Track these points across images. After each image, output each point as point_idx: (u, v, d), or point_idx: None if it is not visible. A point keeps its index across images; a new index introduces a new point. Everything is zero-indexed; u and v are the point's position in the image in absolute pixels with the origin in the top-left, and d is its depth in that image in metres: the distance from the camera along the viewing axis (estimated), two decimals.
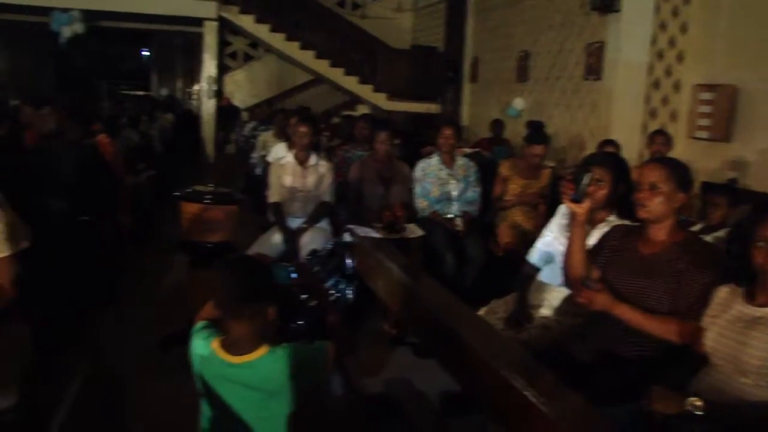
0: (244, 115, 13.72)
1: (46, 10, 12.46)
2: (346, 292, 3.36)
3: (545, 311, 3.39)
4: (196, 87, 15.43)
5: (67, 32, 12.46)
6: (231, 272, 2.12)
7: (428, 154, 5.71)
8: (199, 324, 2.25)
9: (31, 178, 4.50)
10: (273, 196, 5.01)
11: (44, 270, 3.47)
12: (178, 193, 4.92)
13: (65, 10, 12.36)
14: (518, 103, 9.77)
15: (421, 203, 5.33)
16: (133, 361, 3.99)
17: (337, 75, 13.56)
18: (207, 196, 4.79)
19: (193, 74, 15.61)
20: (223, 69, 14.53)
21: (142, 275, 5.70)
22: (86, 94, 12.24)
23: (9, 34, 15.05)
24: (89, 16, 12.65)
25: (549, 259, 3.46)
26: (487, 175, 5.68)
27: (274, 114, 8.71)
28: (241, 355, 2.07)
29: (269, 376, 2.07)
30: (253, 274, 2.13)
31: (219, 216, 4.78)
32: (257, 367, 2.06)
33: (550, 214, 3.80)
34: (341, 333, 2.53)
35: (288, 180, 4.98)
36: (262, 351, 2.07)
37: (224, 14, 12.97)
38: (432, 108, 13.04)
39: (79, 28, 12.45)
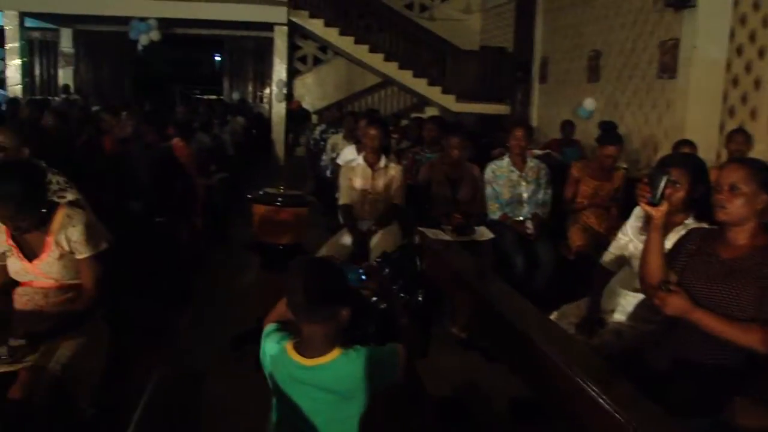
0: (314, 118, 13.89)
1: (125, 20, 12.89)
2: (416, 294, 3.35)
3: (619, 317, 3.31)
4: (266, 91, 15.69)
5: (144, 40, 12.86)
6: (305, 274, 2.11)
7: (498, 156, 5.66)
8: (271, 326, 2.27)
9: (110, 182, 4.66)
10: (343, 198, 5.04)
11: (122, 270, 3.57)
12: (250, 196, 5.01)
13: (143, 19, 12.75)
14: (589, 103, 9.59)
15: (491, 206, 5.28)
16: (207, 359, 4.07)
17: (405, 77, 13.58)
18: (278, 199, 4.86)
19: (263, 78, 15.86)
20: (293, 73, 14.74)
21: (215, 275, 5.82)
22: (161, 99, 12.61)
23: (91, 43, 15.62)
24: (165, 24, 13.03)
25: (623, 263, 3.38)
26: (557, 177, 5.59)
27: (344, 117, 8.78)
28: (314, 357, 2.08)
29: (343, 378, 2.07)
30: (327, 277, 2.13)
31: (289, 218, 4.84)
32: (331, 370, 2.07)
33: (623, 216, 3.72)
34: (411, 335, 2.52)
35: (358, 182, 5.00)
36: (335, 353, 2.08)
37: (294, 19, 13.15)
38: (501, 109, 12.92)
39: (155, 35, 12.82)
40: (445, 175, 5.37)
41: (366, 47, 13.44)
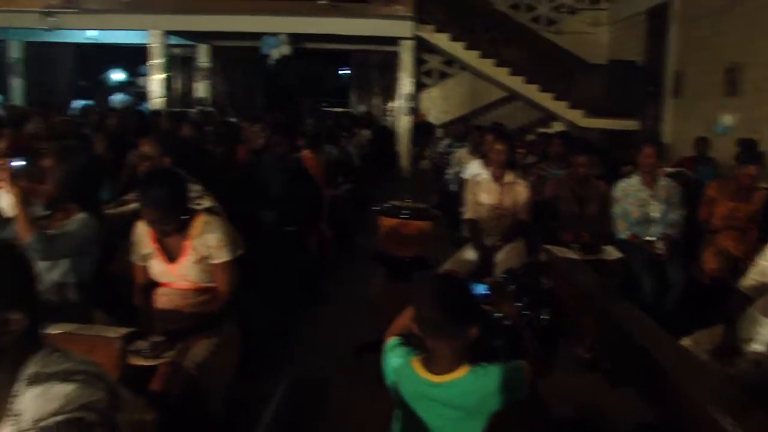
0: (439, 132, 13.95)
1: (257, 36, 13.43)
2: (541, 312, 3.33)
3: (758, 347, 3.15)
4: (392, 104, 15.91)
5: (275, 54, 13.33)
6: (435, 291, 2.14)
7: (627, 174, 5.52)
8: (395, 340, 2.30)
9: (243, 191, 4.88)
10: (468, 212, 5.06)
11: (253, 276, 3.74)
12: (376, 208, 5.11)
13: (274, 35, 13.22)
14: (727, 119, 9.16)
15: (619, 224, 5.16)
16: (331, 366, 4.18)
17: (531, 91, 13.44)
18: (404, 212, 4.94)
19: (389, 91, 16.09)
20: (418, 86, 14.87)
21: (341, 284, 5.95)
22: (291, 112, 13.03)
23: (226, 58, 16.39)
24: (295, 39, 13.46)
25: (764, 289, 3.22)
26: (691, 196, 5.39)
27: (470, 131, 8.80)
28: (442, 373, 2.10)
29: (470, 395, 2.09)
30: (457, 294, 2.14)
31: (414, 231, 4.91)
32: (459, 387, 2.08)
33: (762, 239, 3.54)
34: (535, 354, 2.51)
35: (483, 197, 5.01)
36: (463, 370, 2.09)
37: (420, 33, 13.28)
38: (630, 125, 12.54)
39: (286, 50, 13.27)
40: (572, 192, 5.29)
41: (492, 61, 13.40)
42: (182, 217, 2.99)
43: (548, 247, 4.35)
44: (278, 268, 4.68)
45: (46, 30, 13.28)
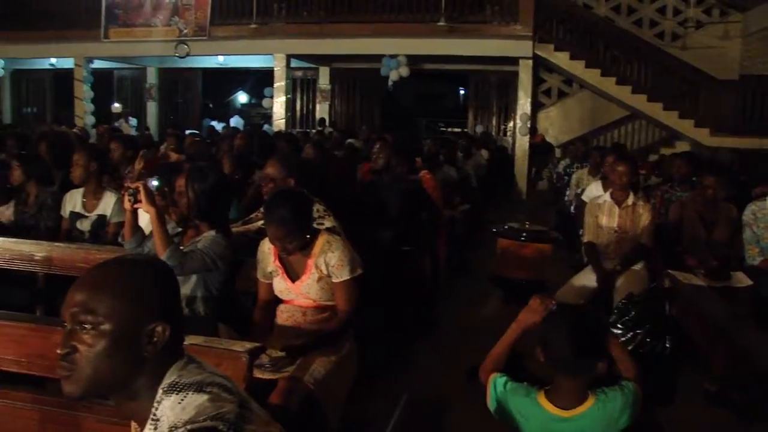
0: (557, 152, 13.74)
1: (377, 58, 13.70)
2: (663, 340, 3.22)
3: None
4: (510, 124, 15.81)
5: (394, 76, 13.53)
6: (573, 328, 2.12)
7: (760, 196, 5.24)
8: (502, 377, 2.30)
9: (363, 210, 4.96)
10: (587, 235, 4.95)
11: (371, 295, 3.80)
12: (495, 230, 5.09)
13: (393, 56, 13.44)
14: None
15: (750, 250, 4.89)
16: (445, 385, 4.18)
17: (654, 110, 13.02)
18: (522, 234, 4.90)
19: (507, 111, 16.01)
20: (536, 106, 14.71)
21: (456, 304, 5.94)
22: (409, 132, 13.17)
23: (345, 80, 16.79)
24: (414, 60, 13.63)
25: None
26: None
27: (589, 151, 8.61)
28: (571, 408, 2.10)
29: (599, 423, 2.08)
30: (593, 331, 2.13)
31: (533, 253, 4.86)
32: (588, 418, 2.08)
33: None
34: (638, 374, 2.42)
35: (604, 220, 4.89)
36: (590, 401, 2.08)
37: (539, 52, 13.16)
38: (764, 143, 11.90)
39: (404, 71, 13.45)
40: (699, 214, 5.08)
41: (613, 80, 13.09)
42: (305, 236, 3.08)
43: (672, 272, 4.18)
44: (394, 288, 4.72)
45: (179, 57, 14.07)
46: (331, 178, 5.82)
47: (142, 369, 1.48)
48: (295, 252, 3.08)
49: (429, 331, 5.21)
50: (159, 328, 1.48)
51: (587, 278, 4.74)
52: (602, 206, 4.95)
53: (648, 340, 3.16)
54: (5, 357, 2.54)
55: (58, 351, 1.47)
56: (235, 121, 16.70)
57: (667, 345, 3.16)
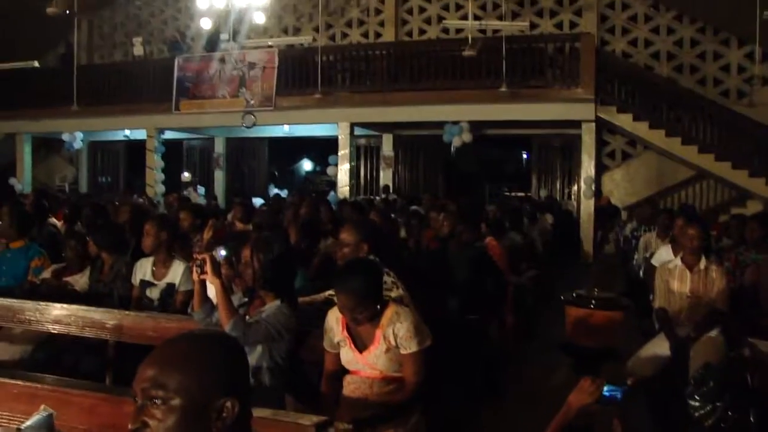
0: (623, 215, 13.50)
1: (439, 124, 13.85)
2: (747, 414, 3.05)
3: None
4: (574, 187, 15.64)
5: (456, 142, 13.64)
6: (651, 400, 2.06)
7: None
8: None
9: (430, 278, 4.94)
10: (659, 301, 4.81)
11: (437, 364, 3.74)
12: (563, 297, 5.00)
13: (455, 123, 13.57)
14: None
15: None
16: None
17: (723, 169, 12.71)
18: (592, 301, 4.79)
19: (571, 174, 15.86)
20: (600, 168, 14.56)
21: (524, 372, 5.81)
22: (472, 198, 13.15)
23: (408, 147, 16.98)
24: (476, 126, 13.72)
25: None
26: None
27: (657, 214, 8.43)
28: None
29: None
30: (672, 403, 2.06)
31: (603, 321, 4.74)
32: None
33: None
34: None
35: (675, 285, 4.75)
36: None
37: (602, 115, 13.09)
38: None
39: (467, 137, 13.53)
40: None
41: (678, 140, 12.88)
42: (376, 306, 3.07)
43: (753, 340, 4.00)
44: (460, 357, 4.65)
45: (246, 127, 14.49)
46: (400, 246, 5.84)
47: None
48: (364, 322, 3.07)
49: (496, 400, 5.09)
50: (228, 404, 1.50)
51: (660, 346, 4.58)
52: (673, 271, 4.81)
53: (730, 413, 2.99)
54: (77, 426, 2.57)
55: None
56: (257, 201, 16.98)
57: (752, 419, 2.98)
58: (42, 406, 2.25)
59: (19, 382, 2.82)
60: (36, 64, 15.33)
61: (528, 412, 4.81)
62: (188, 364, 1.50)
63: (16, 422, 2.50)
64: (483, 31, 14.11)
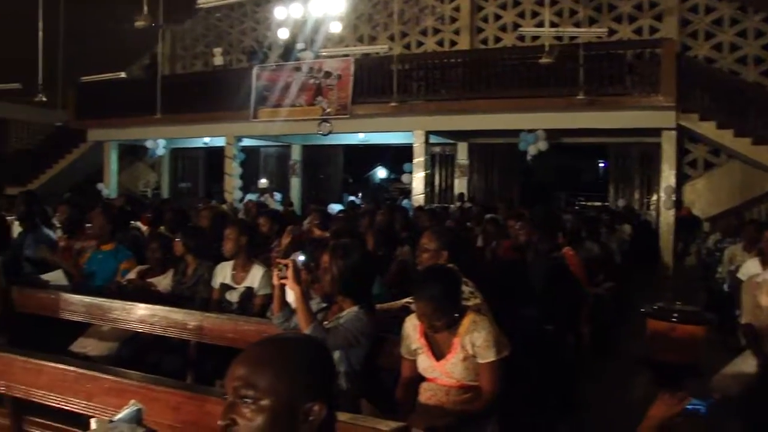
0: (705, 226, 13.08)
1: (515, 133, 13.74)
2: None
3: None
4: (653, 197, 15.25)
5: (532, 150, 13.50)
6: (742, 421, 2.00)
7: None
8: None
9: (505, 288, 4.89)
10: (745, 316, 4.63)
11: (512, 375, 3.71)
12: (643, 309, 4.88)
13: (531, 131, 13.44)
14: None
15: None
16: None
17: None
18: (674, 314, 4.66)
19: (650, 184, 15.47)
20: (681, 178, 14.15)
21: (600, 386, 5.70)
22: (548, 207, 12.96)
23: (483, 155, 16.90)
24: (552, 134, 13.56)
25: None
26: None
27: (743, 225, 8.14)
28: None
29: None
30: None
31: (685, 335, 4.60)
32: None
33: None
34: None
35: (764, 300, 4.55)
36: None
37: (683, 123, 12.69)
38: None
39: (543, 146, 13.39)
40: None
41: (765, 147, 12.39)
42: (454, 314, 3.07)
43: None
44: (536, 369, 4.59)
45: (322, 135, 14.69)
46: (477, 254, 5.81)
47: None
48: (441, 330, 3.07)
49: (571, 413, 4.99)
50: (316, 407, 1.53)
51: (747, 364, 4.42)
52: (761, 285, 4.63)
53: None
54: (162, 422, 2.65)
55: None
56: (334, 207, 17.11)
57: None
58: (132, 401, 2.34)
59: (110, 377, 2.95)
60: (123, 75, 15.91)
61: (603, 426, 4.72)
62: (279, 366, 1.54)
63: (107, 415, 2.59)
64: (559, 38, 13.91)
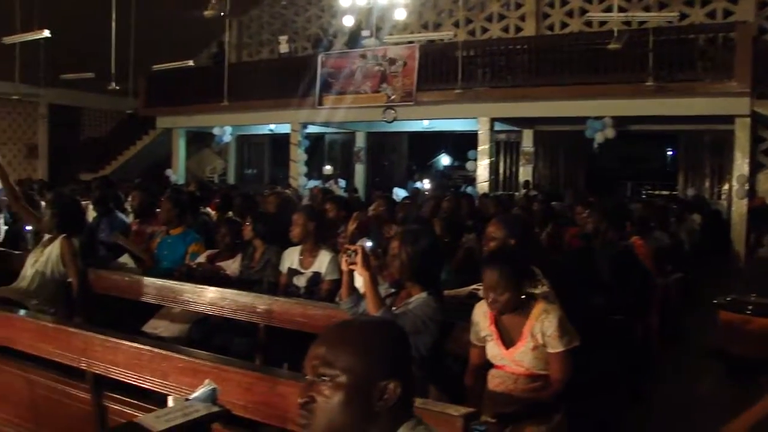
0: None
1: (581, 120, 13.51)
2: None
3: None
4: (725, 186, 14.80)
5: (599, 138, 13.26)
6: None
7: None
8: None
9: (572, 276, 4.83)
10: None
11: (580, 365, 3.67)
12: (716, 301, 4.76)
13: (598, 118, 13.19)
14: None
15: None
16: None
17: None
18: (749, 307, 4.54)
19: (722, 173, 15.01)
20: (755, 166, 13.69)
21: (668, 378, 5.60)
22: (616, 196, 12.72)
23: (549, 142, 16.65)
24: (620, 121, 13.27)
25: None
26: None
27: None
28: None
29: None
30: None
31: (761, 329, 4.47)
32: None
33: None
34: None
35: None
36: None
37: (758, 109, 12.22)
38: None
39: (610, 133, 13.14)
40: None
41: None
42: (519, 294, 3.05)
43: None
44: (604, 359, 4.53)
45: (387, 122, 14.72)
46: (541, 242, 5.75)
47: (372, 424, 1.57)
48: (505, 309, 3.07)
49: (639, 406, 4.93)
50: (391, 386, 1.56)
51: None
52: None
53: None
54: (235, 402, 2.72)
55: (299, 400, 1.60)
56: (399, 192, 17.03)
57: None
58: (206, 381, 2.42)
59: (185, 357, 3.05)
60: (191, 63, 16.21)
61: (674, 420, 4.64)
62: (355, 345, 1.59)
63: (181, 393, 2.68)
64: (628, 23, 13.60)
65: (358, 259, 3.26)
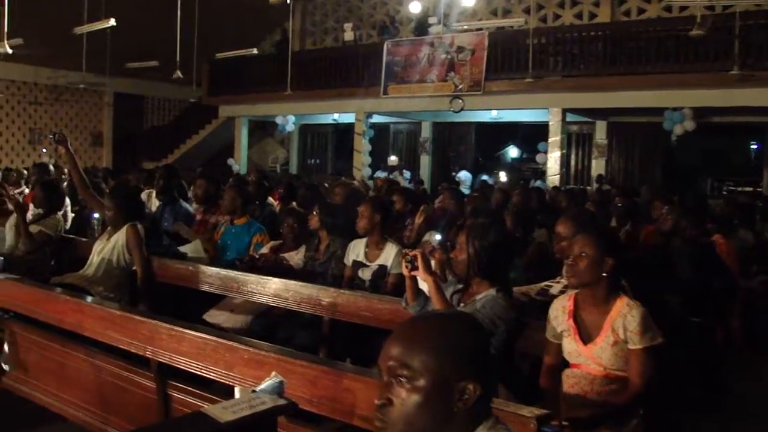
0: None
1: (658, 111, 13.05)
2: None
3: None
4: None
5: (678, 130, 12.83)
6: None
7: None
8: None
9: (650, 273, 4.62)
10: None
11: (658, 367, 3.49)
12: None
13: (676, 109, 12.72)
14: None
15: None
16: None
17: None
18: None
19: None
20: None
21: (750, 386, 5.31)
22: (695, 191, 12.25)
23: (623, 135, 16.10)
24: (700, 113, 12.77)
25: None
26: None
27: None
28: None
29: None
30: None
31: None
32: None
33: None
34: None
35: None
36: None
37: None
38: None
39: (689, 125, 12.68)
40: None
41: None
42: (601, 271, 2.91)
43: None
44: (682, 362, 4.31)
45: (454, 111, 14.52)
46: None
47: (450, 424, 1.54)
48: (582, 279, 2.92)
49: (718, 413, 4.68)
50: (470, 386, 1.53)
51: None
52: None
53: None
54: (300, 395, 2.69)
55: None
56: (464, 176, 16.74)
57: None
58: (273, 373, 2.37)
59: (250, 349, 3.02)
60: (255, 51, 16.32)
61: (753, 428, 4.41)
62: (433, 345, 1.54)
63: (245, 385, 2.65)
64: (711, 8, 13.01)
65: (420, 264, 3.18)
